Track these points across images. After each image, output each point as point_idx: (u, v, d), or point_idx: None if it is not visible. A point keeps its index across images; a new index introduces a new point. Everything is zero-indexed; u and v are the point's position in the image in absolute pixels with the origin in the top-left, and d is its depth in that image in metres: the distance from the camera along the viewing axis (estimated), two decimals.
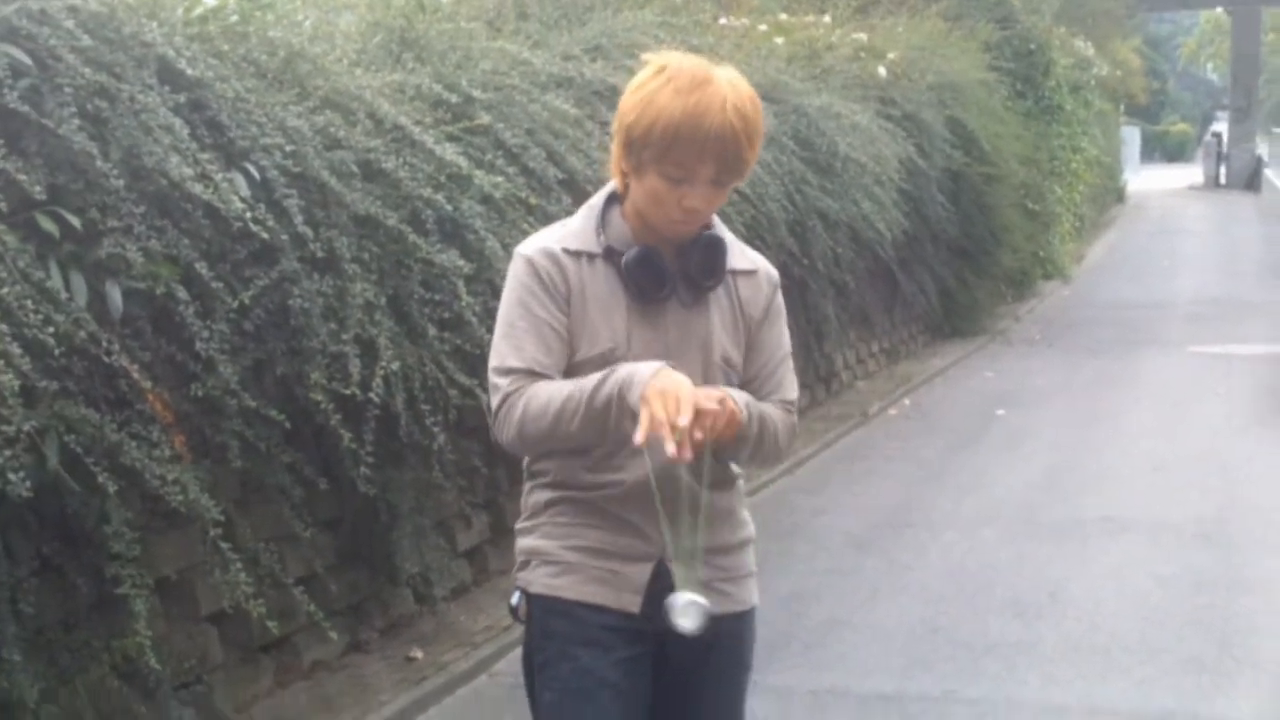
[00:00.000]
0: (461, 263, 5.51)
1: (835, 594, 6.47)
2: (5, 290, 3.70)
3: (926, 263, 13.58)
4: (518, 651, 5.71)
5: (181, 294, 4.37)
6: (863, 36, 13.83)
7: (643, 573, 2.78)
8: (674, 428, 2.47)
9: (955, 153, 13.94)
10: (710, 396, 2.59)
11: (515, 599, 2.91)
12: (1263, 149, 40.44)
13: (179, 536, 4.62)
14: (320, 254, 4.97)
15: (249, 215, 4.62)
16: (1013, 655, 5.62)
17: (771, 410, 2.84)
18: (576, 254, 2.77)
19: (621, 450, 2.71)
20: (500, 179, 5.95)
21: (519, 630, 5.88)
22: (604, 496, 2.76)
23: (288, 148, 5.00)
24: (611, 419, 2.61)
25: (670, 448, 2.46)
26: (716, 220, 2.86)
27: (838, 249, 10.50)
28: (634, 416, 2.54)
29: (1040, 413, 10.93)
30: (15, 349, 3.64)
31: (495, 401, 2.73)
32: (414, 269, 5.43)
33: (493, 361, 2.77)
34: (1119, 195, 34.36)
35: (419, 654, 5.63)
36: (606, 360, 2.71)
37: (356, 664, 5.52)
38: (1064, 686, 5.30)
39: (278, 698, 5.17)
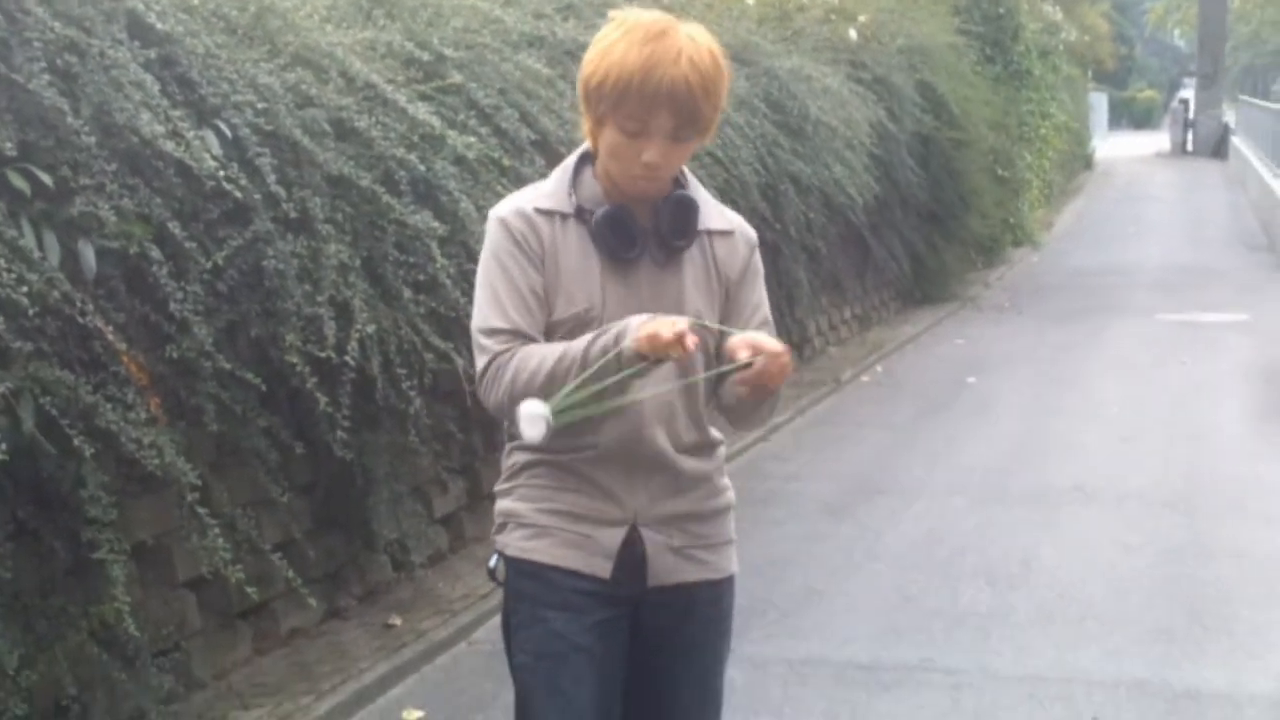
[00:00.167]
0: (435, 224, 5.46)
1: (809, 562, 6.46)
2: None
3: (897, 228, 13.57)
4: (496, 619, 5.69)
5: (155, 254, 4.31)
6: None
7: (615, 537, 2.77)
8: (668, 342, 2.47)
9: (925, 117, 13.93)
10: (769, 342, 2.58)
11: (493, 561, 2.90)
12: (1229, 116, 40.58)
13: (155, 501, 4.56)
14: (293, 214, 4.92)
15: (221, 174, 4.57)
16: (986, 624, 5.63)
17: None
18: (549, 213, 2.75)
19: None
20: (473, 139, 5.90)
21: (497, 598, 5.86)
22: (580, 459, 2.74)
23: (259, 105, 4.95)
24: (609, 365, 2.56)
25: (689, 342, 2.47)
26: (692, 180, 2.84)
27: (810, 214, 10.48)
28: (628, 355, 2.53)
29: (1010, 380, 10.95)
30: None
31: (482, 363, 2.71)
32: (388, 230, 5.38)
33: (476, 322, 2.75)
34: (1087, 162, 34.47)
35: (397, 621, 5.60)
36: (581, 321, 2.70)
37: (335, 631, 5.49)
38: (1038, 655, 5.31)
39: (256, 665, 5.13)
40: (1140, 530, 6.88)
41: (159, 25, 4.66)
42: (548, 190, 2.79)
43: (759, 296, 2.90)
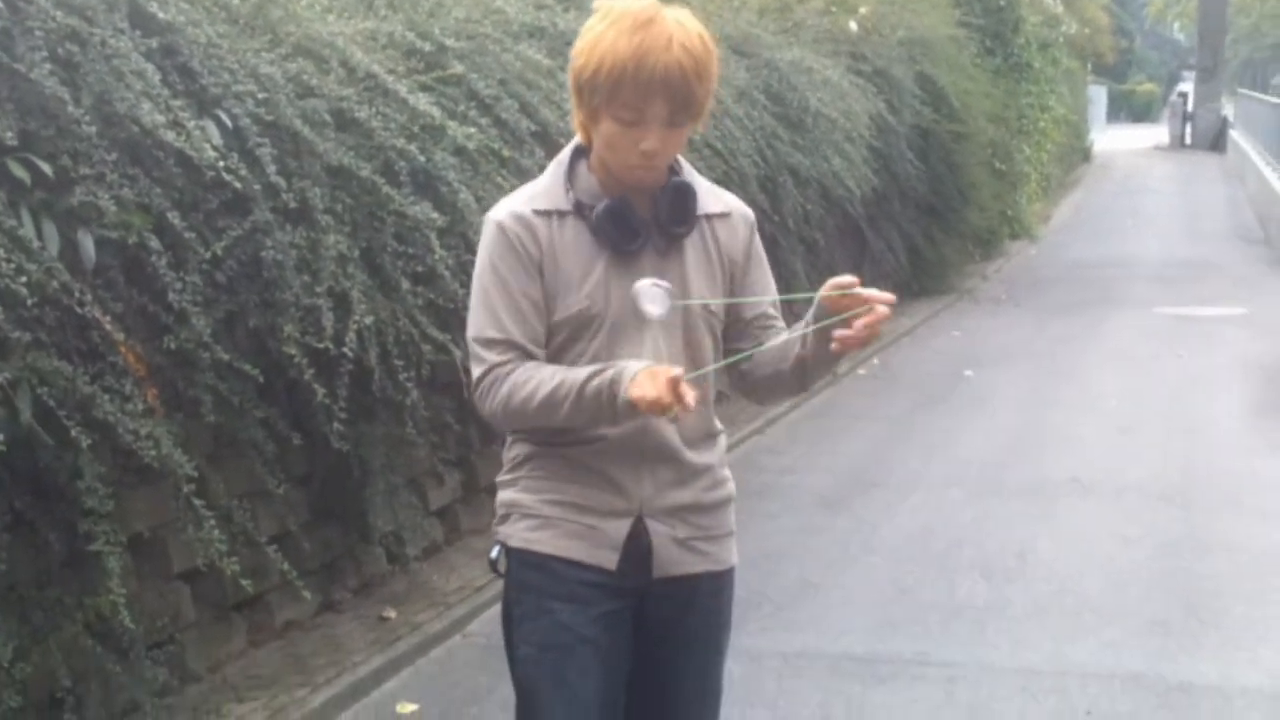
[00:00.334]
0: (434, 215, 5.45)
1: (805, 554, 6.47)
2: None
3: (895, 220, 13.55)
4: (491, 612, 5.77)
5: (154, 244, 4.30)
6: None
7: (620, 529, 2.78)
8: (665, 406, 2.51)
9: (924, 109, 13.91)
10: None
11: (495, 553, 2.91)
12: (1228, 109, 40.56)
13: (151, 492, 4.55)
14: (293, 205, 4.91)
15: (221, 164, 4.56)
16: (982, 617, 5.65)
17: None
18: (546, 213, 2.75)
19: None
20: (473, 130, 5.89)
21: (492, 590, 5.92)
22: (586, 451, 2.75)
23: (260, 95, 4.93)
24: (603, 408, 2.61)
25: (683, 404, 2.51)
26: (686, 166, 2.85)
27: (808, 206, 10.47)
28: (623, 406, 2.57)
29: (1007, 373, 10.95)
30: None
31: (478, 372, 2.73)
32: (387, 221, 5.37)
33: (471, 330, 2.76)
34: (1085, 155, 34.46)
35: (392, 614, 5.60)
36: (584, 318, 2.71)
37: (329, 623, 5.49)
38: (1034, 649, 5.32)
39: (251, 657, 5.13)
40: (1137, 523, 6.90)
41: (160, 14, 4.65)
42: (543, 188, 2.79)
43: (768, 278, 2.93)
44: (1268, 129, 25.54)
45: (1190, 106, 40.91)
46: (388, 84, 5.60)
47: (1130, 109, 60.63)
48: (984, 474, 7.88)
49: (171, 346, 4.40)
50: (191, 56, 4.77)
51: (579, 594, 2.78)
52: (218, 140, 4.64)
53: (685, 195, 2.78)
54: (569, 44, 2.73)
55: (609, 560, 2.78)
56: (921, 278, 14.57)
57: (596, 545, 2.78)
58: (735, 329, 2.89)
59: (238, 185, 4.63)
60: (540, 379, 2.65)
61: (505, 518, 2.88)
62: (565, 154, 2.81)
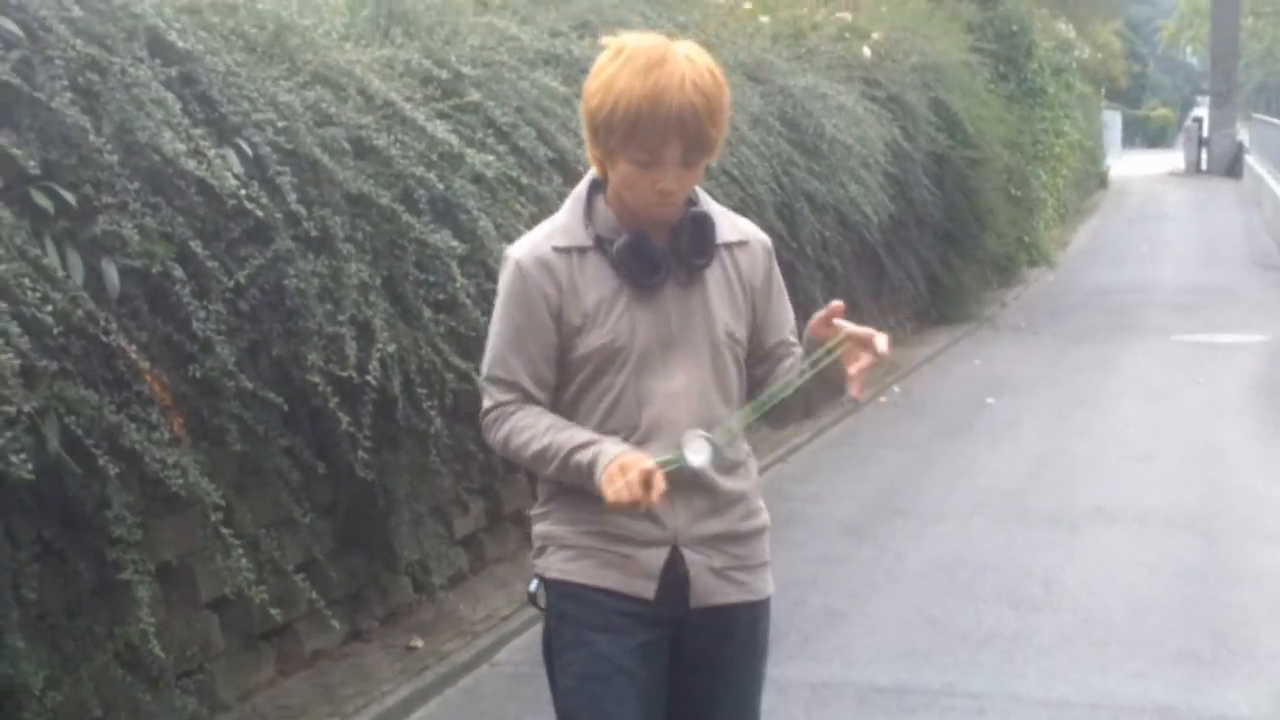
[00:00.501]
0: (455, 243, 5.45)
1: (830, 583, 6.43)
2: (3, 268, 3.63)
3: (912, 247, 13.52)
4: (518, 641, 5.75)
5: (178, 273, 4.30)
6: (847, 16, 13.79)
7: (657, 558, 2.78)
8: (634, 504, 2.58)
9: (939, 135, 13.89)
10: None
11: (533, 585, 2.91)
12: (1243, 134, 40.50)
13: (178, 521, 4.55)
14: (314, 233, 4.91)
15: (242, 193, 4.56)
16: (1010, 647, 5.60)
17: None
18: (566, 250, 2.76)
19: (630, 440, 2.74)
20: (491, 158, 5.88)
21: (519, 620, 5.90)
22: None
23: (279, 124, 4.93)
24: (586, 480, 2.68)
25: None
26: (703, 195, 2.84)
27: (825, 232, 10.44)
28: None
29: (1028, 400, 10.91)
30: (14, 328, 3.56)
31: (485, 406, 2.86)
32: (408, 249, 5.37)
33: (484, 362, 2.87)
34: (1101, 180, 34.40)
35: (419, 643, 5.58)
36: (609, 352, 2.73)
37: (357, 653, 5.47)
38: (1062, 679, 5.28)
39: (280, 686, 5.11)
40: (1160, 551, 6.86)
41: (179, 43, 4.65)
42: (562, 225, 2.80)
43: (786, 302, 2.95)
44: None
45: (1206, 131, 40.84)
46: (405, 112, 5.60)
47: (1145, 134, 60.62)
48: (1007, 502, 7.84)
49: (196, 375, 4.40)
50: (211, 85, 4.77)
51: (616, 624, 2.77)
52: (238, 169, 4.65)
53: (704, 226, 2.78)
54: (584, 71, 2.73)
55: (646, 590, 2.77)
56: (940, 305, 14.54)
57: (633, 575, 2.77)
58: (757, 355, 2.91)
59: (259, 214, 4.62)
60: (534, 433, 2.73)
61: (542, 550, 2.88)
62: (582, 188, 2.82)
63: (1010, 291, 17.15)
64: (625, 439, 2.73)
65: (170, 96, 4.50)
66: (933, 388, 11.66)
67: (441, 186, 5.51)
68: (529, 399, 2.79)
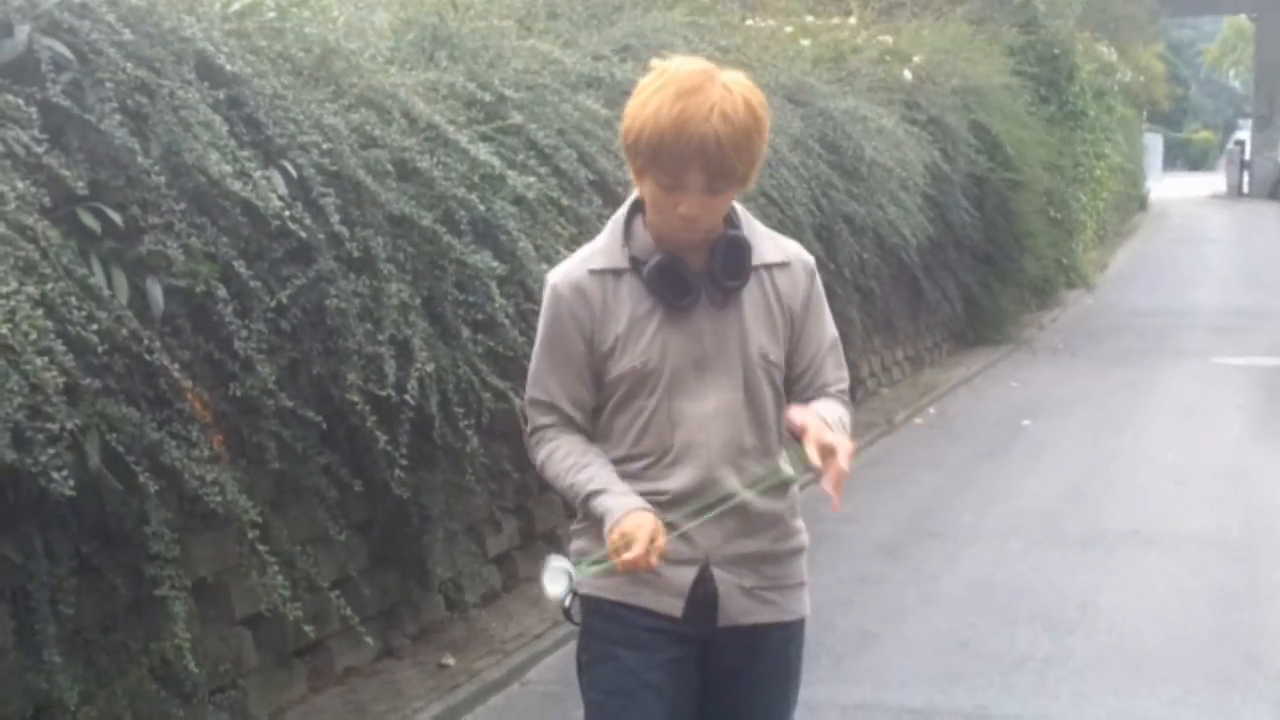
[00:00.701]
0: (495, 264, 5.48)
1: (864, 604, 6.43)
2: (50, 286, 3.68)
3: (950, 269, 13.53)
4: (549, 660, 5.77)
5: (221, 292, 4.35)
6: (888, 39, 13.81)
7: (686, 576, 2.80)
8: (630, 562, 2.61)
9: (979, 158, 13.88)
10: (822, 432, 2.66)
11: (568, 601, 2.91)
12: None
13: (214, 538, 4.60)
14: (356, 254, 4.96)
15: (286, 214, 4.61)
16: (1043, 669, 5.59)
17: (838, 408, 2.86)
18: (602, 272, 2.79)
19: (662, 462, 2.77)
20: (532, 179, 5.93)
21: (550, 638, 5.92)
22: (651, 503, 2.76)
23: (324, 146, 4.98)
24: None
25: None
26: (745, 216, 2.86)
27: (864, 254, 10.46)
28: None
29: (1065, 423, 10.87)
30: (59, 346, 3.61)
31: (528, 428, 2.93)
32: (448, 270, 5.41)
33: (527, 382, 2.92)
34: (1142, 203, 34.25)
35: (451, 660, 5.60)
36: (641, 374, 2.76)
37: (389, 670, 5.49)
38: (1096, 702, 5.27)
39: (311, 703, 5.14)
40: (1197, 575, 6.83)
41: (227, 66, 4.71)
42: (601, 247, 2.84)
43: (825, 325, 2.93)
44: None
45: (1248, 154, 40.61)
46: (449, 134, 5.65)
47: (1186, 157, 60.33)
48: (1043, 524, 7.82)
49: (237, 394, 4.45)
50: (257, 108, 4.83)
51: (644, 640, 2.80)
52: (283, 190, 4.70)
53: (739, 249, 2.79)
54: (626, 94, 2.76)
55: (674, 607, 2.80)
56: (978, 327, 14.53)
57: (662, 592, 2.80)
58: (803, 379, 2.91)
59: (302, 234, 4.68)
60: (561, 469, 2.81)
61: (577, 566, 2.90)
62: (623, 210, 2.85)
63: (1048, 314, 17.11)
64: (657, 460, 2.77)
65: (217, 119, 4.56)
66: (969, 409, 11.65)
67: (483, 208, 5.55)
68: (567, 420, 2.84)
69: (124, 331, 3.96)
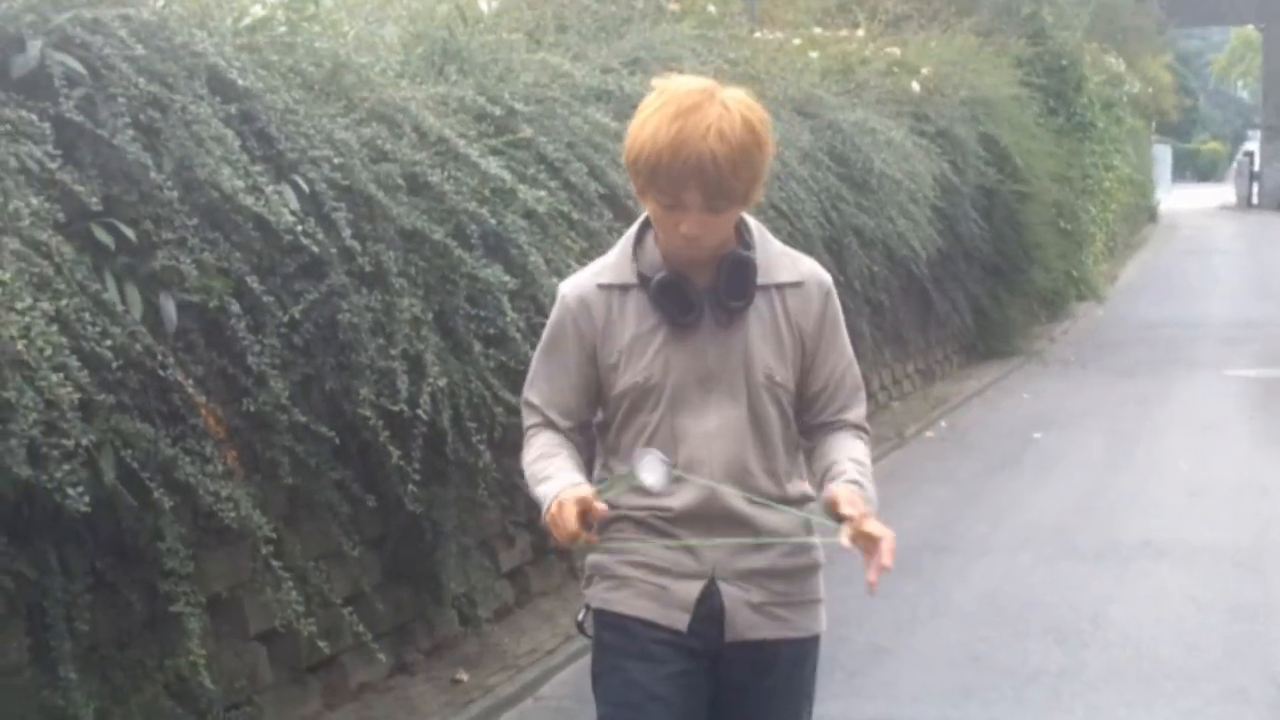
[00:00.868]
0: (506, 278, 5.49)
1: (876, 619, 6.40)
2: (64, 302, 3.70)
3: (960, 281, 13.52)
4: (562, 675, 5.76)
5: (234, 307, 4.36)
6: (896, 51, 13.81)
7: (691, 590, 2.80)
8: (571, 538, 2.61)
9: (988, 170, 13.88)
10: (865, 521, 2.67)
11: (581, 615, 2.96)
12: None
13: (229, 553, 4.61)
14: (368, 268, 4.96)
15: (299, 228, 4.61)
16: (1056, 683, 5.57)
17: (866, 456, 2.87)
18: (609, 287, 2.81)
19: None
20: (543, 193, 5.93)
21: (563, 654, 5.91)
22: (657, 518, 2.78)
23: (335, 160, 4.99)
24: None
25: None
26: (758, 235, 2.85)
27: (873, 267, 10.46)
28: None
29: (1076, 435, 10.85)
30: (74, 362, 3.62)
31: (523, 424, 2.94)
32: (459, 284, 5.42)
33: (526, 382, 2.95)
34: (1151, 214, 34.24)
35: (464, 676, 5.60)
36: (642, 390, 2.77)
37: (403, 686, 5.49)
38: (1110, 715, 5.26)
39: None
40: (1210, 588, 6.81)
41: (239, 81, 4.72)
42: (612, 262, 2.86)
43: (840, 348, 2.90)
44: None
45: (1257, 165, 40.58)
46: (459, 148, 5.65)
47: (1195, 168, 60.31)
48: (1055, 537, 7.80)
49: (250, 409, 4.46)
50: (269, 122, 4.84)
51: (652, 652, 2.80)
52: (295, 204, 4.71)
53: (743, 268, 2.78)
54: (634, 107, 2.76)
55: (680, 621, 2.80)
56: (988, 339, 14.52)
57: (668, 606, 2.80)
58: (818, 403, 2.89)
59: (314, 249, 4.69)
60: (532, 465, 2.83)
61: (589, 579, 2.93)
62: (635, 225, 2.86)
63: (1058, 326, 17.09)
64: None
65: (229, 133, 4.57)
66: (979, 422, 11.64)
67: (493, 222, 5.56)
68: (550, 425, 2.86)
69: (138, 347, 3.96)
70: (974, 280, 13.88)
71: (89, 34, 4.30)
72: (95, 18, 4.35)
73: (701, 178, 2.60)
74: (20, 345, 3.45)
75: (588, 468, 2.88)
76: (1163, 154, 43.34)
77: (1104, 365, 14.30)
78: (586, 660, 3.02)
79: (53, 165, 3.96)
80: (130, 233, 4.14)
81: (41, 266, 3.72)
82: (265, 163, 4.75)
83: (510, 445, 5.69)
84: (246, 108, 4.79)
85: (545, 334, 2.88)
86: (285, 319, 4.60)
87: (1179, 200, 41.26)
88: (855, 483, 2.74)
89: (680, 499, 2.77)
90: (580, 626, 2.94)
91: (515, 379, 5.47)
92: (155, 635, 4.23)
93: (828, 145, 10.19)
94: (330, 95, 5.40)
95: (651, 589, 2.79)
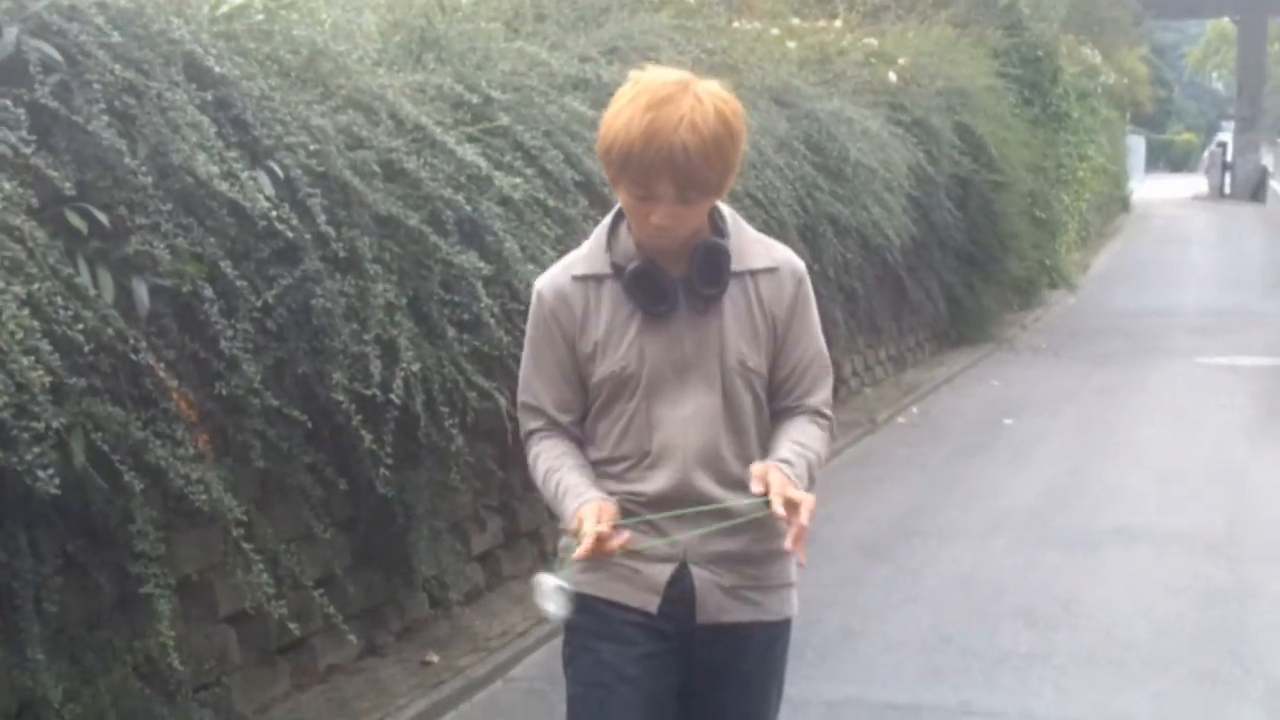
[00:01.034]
0: (481, 264, 5.50)
1: (847, 603, 6.46)
2: (36, 286, 3.70)
3: (934, 269, 13.57)
4: (533, 657, 5.79)
5: (207, 292, 4.36)
6: (873, 42, 13.84)
7: (662, 573, 2.83)
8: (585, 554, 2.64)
9: (963, 159, 13.92)
10: (785, 486, 2.66)
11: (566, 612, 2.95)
12: (1268, 159, 40.39)
13: (199, 536, 4.61)
14: (342, 254, 4.97)
15: (273, 214, 4.62)
16: (1026, 666, 5.62)
17: (814, 439, 2.87)
18: (584, 278, 2.83)
19: (641, 465, 2.82)
20: (519, 180, 5.94)
21: (534, 635, 5.93)
22: (631, 502, 2.81)
23: (311, 147, 4.99)
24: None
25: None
26: (731, 222, 2.87)
27: (848, 255, 10.50)
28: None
29: (1048, 422, 10.92)
30: (45, 345, 3.63)
31: (521, 430, 2.97)
32: (434, 270, 5.43)
33: (519, 385, 2.96)
34: (1124, 204, 34.35)
35: (435, 658, 5.62)
36: (620, 379, 2.80)
37: (373, 667, 5.51)
38: (1079, 698, 5.30)
39: (295, 700, 5.16)
40: (1182, 573, 6.86)
41: (215, 68, 4.72)
42: (585, 253, 2.88)
43: (810, 333, 2.92)
44: None
45: (1230, 156, 40.76)
46: (436, 135, 5.67)
47: (1169, 159, 60.52)
48: (1026, 522, 7.86)
49: (222, 393, 4.47)
50: (245, 109, 4.84)
51: (622, 634, 2.84)
52: (270, 191, 4.71)
53: (717, 256, 2.80)
54: (612, 96, 2.77)
55: (650, 603, 2.83)
56: (961, 326, 14.58)
57: (638, 588, 2.83)
58: (784, 388, 2.92)
59: (289, 235, 4.69)
60: (543, 470, 2.87)
61: (561, 562, 2.93)
62: (609, 217, 2.88)
63: (1031, 314, 17.17)
64: (637, 463, 2.82)
65: (205, 120, 4.57)
66: (951, 409, 11.70)
67: (469, 208, 5.57)
68: (552, 424, 2.89)
69: (110, 331, 3.97)
70: (948, 268, 13.93)
71: (65, 20, 4.29)
72: (72, 4, 4.35)
73: (673, 169, 2.61)
74: None
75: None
76: (1137, 144, 43.48)
77: (1076, 353, 14.37)
78: (557, 642, 3.04)
79: (27, 151, 3.95)
80: (104, 218, 4.14)
81: (14, 251, 3.72)
82: (240, 149, 4.75)
83: (483, 430, 5.75)
84: (222, 94, 4.79)
85: (528, 334, 2.90)
86: (259, 304, 4.61)
87: (1152, 190, 41.41)
88: (785, 461, 2.75)
89: (654, 484, 2.80)
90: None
91: (489, 364, 5.51)
92: (125, 617, 4.24)
93: (804, 134, 10.21)
94: (307, 82, 5.40)
95: (624, 571, 2.81)
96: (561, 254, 3.11)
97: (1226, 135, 45.37)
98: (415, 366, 5.10)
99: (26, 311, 3.62)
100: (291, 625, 4.59)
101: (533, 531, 6.72)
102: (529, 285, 2.94)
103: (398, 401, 4.98)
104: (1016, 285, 16.51)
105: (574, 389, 2.87)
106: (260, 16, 5.30)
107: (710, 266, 2.79)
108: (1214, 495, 8.44)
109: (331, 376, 4.84)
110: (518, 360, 3.02)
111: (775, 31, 12.37)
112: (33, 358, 3.58)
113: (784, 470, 2.71)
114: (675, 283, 2.78)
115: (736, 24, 11.85)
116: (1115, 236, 29.13)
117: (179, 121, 4.46)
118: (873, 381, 12.33)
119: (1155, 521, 7.81)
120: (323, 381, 4.88)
